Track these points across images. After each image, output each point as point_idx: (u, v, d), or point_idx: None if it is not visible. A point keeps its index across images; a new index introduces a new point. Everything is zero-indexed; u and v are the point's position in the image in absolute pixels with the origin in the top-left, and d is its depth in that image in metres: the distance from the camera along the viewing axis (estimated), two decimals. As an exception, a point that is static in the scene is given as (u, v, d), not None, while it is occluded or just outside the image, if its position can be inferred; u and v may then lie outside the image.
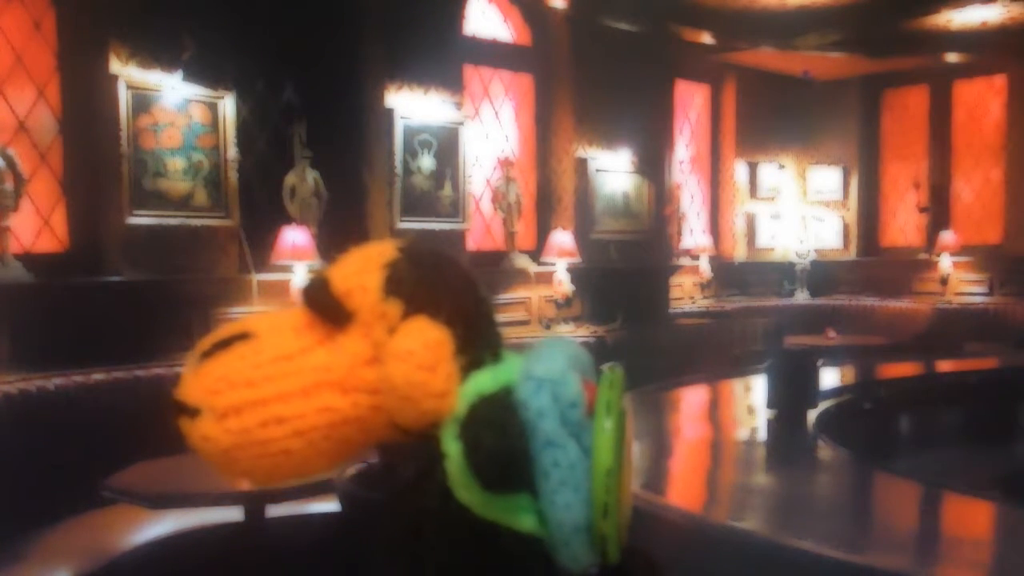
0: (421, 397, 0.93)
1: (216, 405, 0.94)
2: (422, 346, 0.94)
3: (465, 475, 0.93)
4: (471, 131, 6.31)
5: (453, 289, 1.01)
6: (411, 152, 5.81)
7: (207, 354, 0.97)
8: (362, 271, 0.98)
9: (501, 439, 0.93)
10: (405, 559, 0.99)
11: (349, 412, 0.96)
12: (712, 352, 6.55)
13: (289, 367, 0.96)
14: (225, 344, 0.97)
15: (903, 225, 9.29)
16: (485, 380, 0.97)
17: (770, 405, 2.95)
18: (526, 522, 0.94)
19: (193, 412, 0.95)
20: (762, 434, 2.92)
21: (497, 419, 0.93)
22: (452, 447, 0.94)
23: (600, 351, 5.57)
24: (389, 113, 5.67)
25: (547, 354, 0.98)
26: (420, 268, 1.00)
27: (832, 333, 7.55)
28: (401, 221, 5.73)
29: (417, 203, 5.85)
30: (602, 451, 0.93)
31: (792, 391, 2.90)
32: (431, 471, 0.96)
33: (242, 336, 0.97)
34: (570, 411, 0.94)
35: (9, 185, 4.14)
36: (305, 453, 0.96)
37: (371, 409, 0.96)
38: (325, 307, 0.97)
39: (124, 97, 4.53)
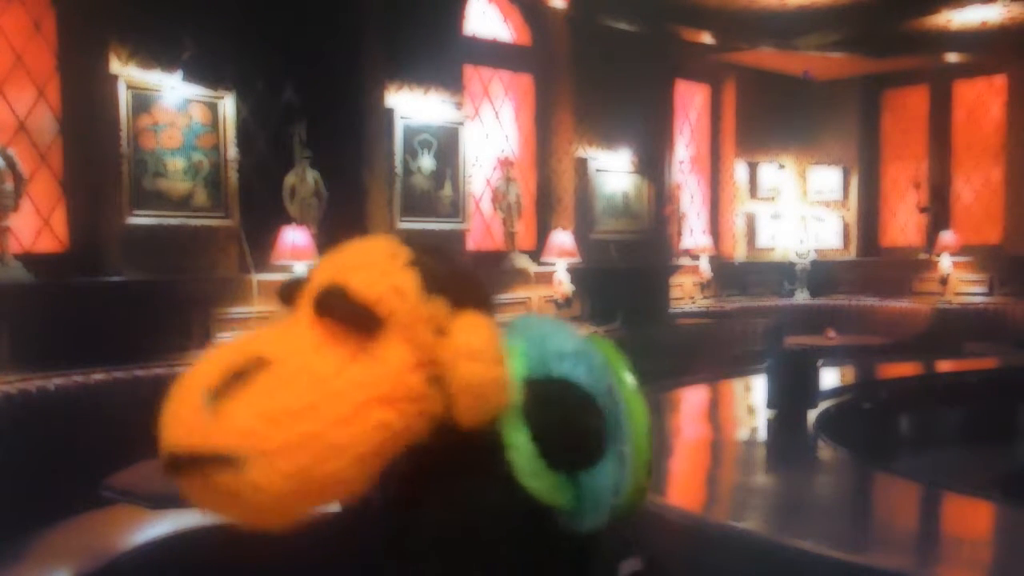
0: (494, 393, 0.90)
1: (264, 448, 0.82)
2: (487, 341, 0.90)
3: (535, 462, 0.91)
4: (471, 131, 6.31)
5: (473, 279, 0.99)
6: (411, 152, 5.81)
7: (220, 392, 0.85)
8: (387, 273, 0.91)
9: (572, 418, 0.92)
10: (455, 559, 0.94)
11: (399, 424, 0.89)
12: (712, 352, 6.54)
13: (330, 389, 0.86)
14: (241, 377, 0.86)
15: (903, 225, 9.29)
16: (517, 365, 0.95)
17: (770, 405, 2.95)
18: (568, 497, 0.94)
19: (234, 462, 0.82)
20: (762, 434, 2.92)
21: (560, 400, 0.93)
22: (518, 437, 0.91)
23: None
24: (389, 113, 5.67)
25: (557, 329, 0.99)
26: (444, 262, 0.96)
27: (832, 333, 7.55)
28: (401, 221, 5.73)
29: (417, 203, 5.85)
30: (639, 410, 0.95)
31: (792, 391, 2.90)
32: (486, 466, 0.92)
33: (255, 365, 0.86)
34: (602, 378, 0.96)
35: (9, 185, 4.14)
36: (357, 479, 0.88)
37: (417, 416, 0.91)
38: (354, 317, 0.88)
39: (124, 97, 4.53)
